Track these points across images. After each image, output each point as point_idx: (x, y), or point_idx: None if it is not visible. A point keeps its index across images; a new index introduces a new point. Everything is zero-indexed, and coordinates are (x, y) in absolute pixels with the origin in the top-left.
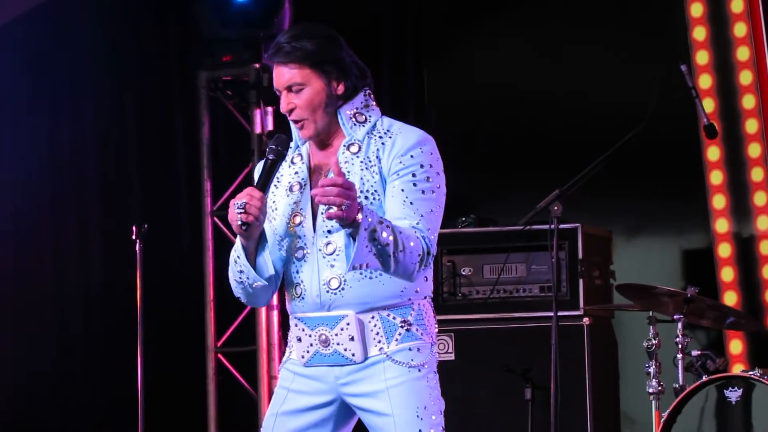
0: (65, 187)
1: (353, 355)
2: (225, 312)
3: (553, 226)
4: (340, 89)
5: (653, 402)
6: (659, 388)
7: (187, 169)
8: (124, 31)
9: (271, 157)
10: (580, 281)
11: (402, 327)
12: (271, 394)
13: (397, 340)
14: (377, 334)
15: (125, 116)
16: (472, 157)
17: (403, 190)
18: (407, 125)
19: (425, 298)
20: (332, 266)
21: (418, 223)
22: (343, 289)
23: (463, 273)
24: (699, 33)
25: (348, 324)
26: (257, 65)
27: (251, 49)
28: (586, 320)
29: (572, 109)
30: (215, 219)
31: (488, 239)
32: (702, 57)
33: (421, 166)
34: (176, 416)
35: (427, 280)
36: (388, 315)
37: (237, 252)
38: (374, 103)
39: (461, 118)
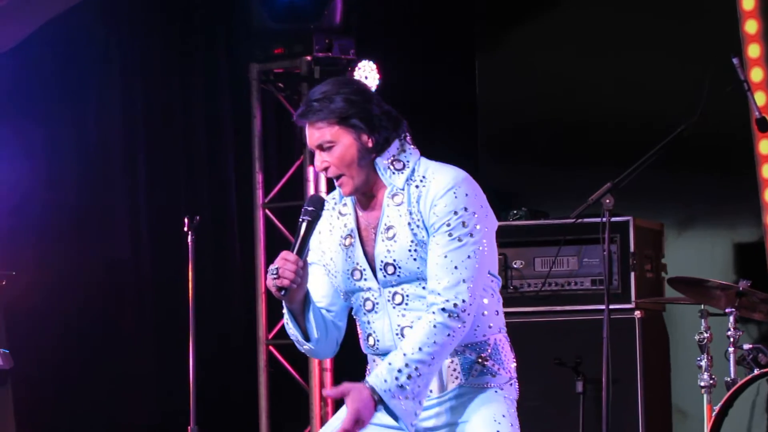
0: (116, 180)
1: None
2: (276, 304)
3: (604, 219)
4: (370, 143)
5: (705, 395)
6: (711, 382)
7: (238, 161)
8: (175, 23)
9: (308, 218)
10: (632, 274)
11: (478, 362)
12: (322, 385)
13: (473, 375)
14: (454, 370)
15: (176, 108)
16: (523, 149)
17: (438, 244)
18: (442, 166)
19: (500, 331)
20: (403, 315)
21: (445, 290)
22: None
23: (515, 266)
24: (751, 26)
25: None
26: (308, 57)
27: (303, 42)
28: (637, 313)
29: (624, 101)
30: (266, 211)
31: (540, 232)
32: (753, 50)
33: (455, 213)
34: (228, 408)
35: (498, 314)
36: (464, 351)
37: (286, 319)
38: (412, 146)
39: (513, 111)
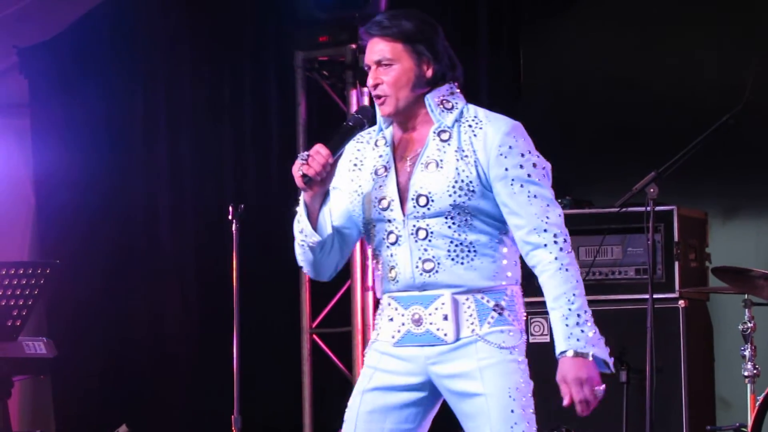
0: (161, 168)
1: (445, 335)
2: (320, 293)
3: (649, 209)
4: (429, 72)
5: (748, 385)
6: (755, 372)
7: (283, 148)
8: (220, 12)
9: (350, 123)
10: (676, 264)
11: (495, 311)
12: None
13: (489, 323)
14: (470, 315)
15: (224, 96)
16: (568, 138)
17: (522, 186)
18: (493, 113)
19: (516, 282)
20: (426, 250)
21: (550, 225)
22: (437, 271)
23: None
24: None
25: (443, 303)
26: (353, 46)
27: (348, 30)
28: (681, 303)
29: (670, 90)
30: None
31: (584, 221)
32: None
33: (522, 155)
34: (272, 397)
35: (516, 264)
36: (482, 298)
37: (299, 211)
38: (459, 93)
39: (557, 99)
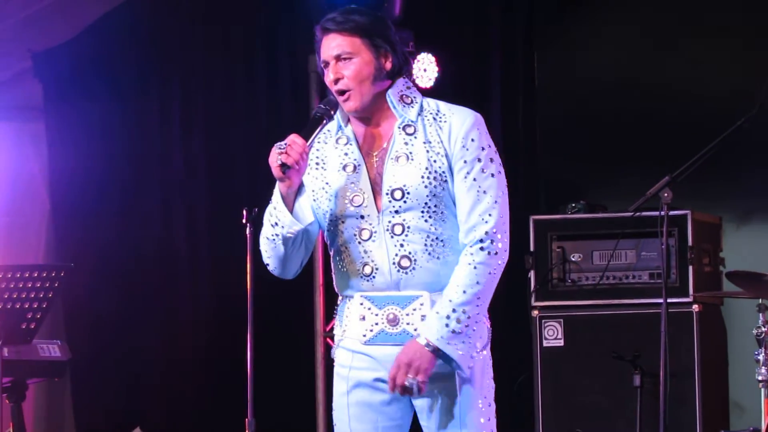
0: (176, 172)
1: (420, 330)
2: (334, 296)
3: (663, 213)
4: (388, 65)
5: (762, 389)
6: None
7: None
8: (233, 15)
9: (318, 113)
10: (690, 268)
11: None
12: None
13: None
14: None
15: (238, 99)
16: (582, 142)
17: (475, 180)
18: (453, 105)
19: None
20: (402, 245)
21: (486, 224)
22: (414, 269)
23: (573, 259)
24: None
25: (422, 304)
26: None
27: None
28: (695, 307)
29: (683, 95)
30: None
31: (598, 225)
32: None
33: (482, 149)
34: (285, 400)
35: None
36: None
37: (274, 202)
38: (414, 86)
39: (571, 103)
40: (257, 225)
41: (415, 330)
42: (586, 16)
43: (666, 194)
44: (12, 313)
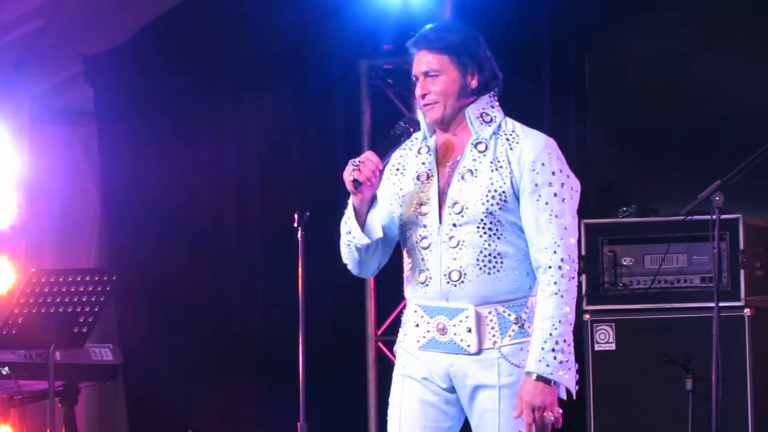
0: (227, 177)
1: (468, 345)
2: (385, 300)
3: (714, 217)
4: (474, 83)
5: None
6: None
7: (347, 157)
8: (284, 20)
9: (397, 131)
10: (742, 272)
11: (516, 324)
12: None
13: (510, 336)
14: (492, 328)
15: (286, 105)
16: (633, 145)
17: (547, 203)
18: (530, 129)
19: (536, 293)
20: (454, 259)
21: (561, 248)
22: (462, 282)
23: (624, 263)
24: None
25: (467, 317)
26: None
27: (412, 37)
28: (747, 311)
29: (736, 97)
30: None
31: (649, 229)
32: None
33: (553, 174)
34: (337, 404)
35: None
36: (504, 311)
37: (347, 213)
38: (498, 105)
39: (623, 107)
40: (308, 229)
41: (462, 340)
42: (638, 20)
43: (717, 198)
44: (65, 317)
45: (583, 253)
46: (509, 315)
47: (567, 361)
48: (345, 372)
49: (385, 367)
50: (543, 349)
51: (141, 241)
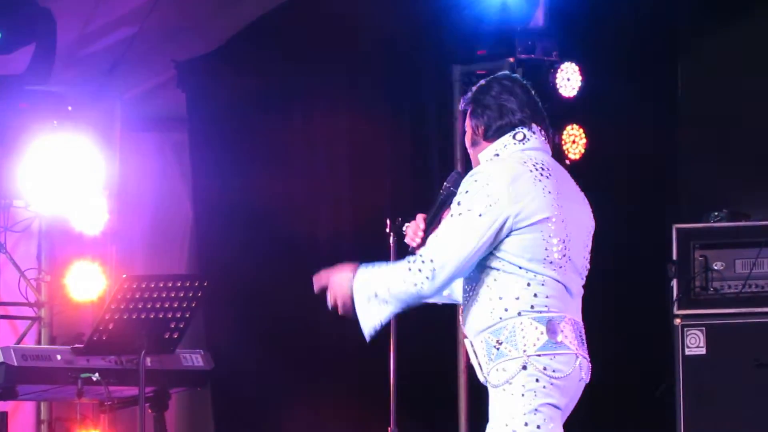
0: (320, 181)
1: (481, 377)
2: None
3: None
4: (477, 132)
5: None
6: None
7: (440, 162)
8: (378, 25)
9: (443, 195)
10: None
11: (495, 347)
12: None
13: (491, 359)
14: (484, 356)
15: (380, 110)
16: (725, 151)
17: (450, 216)
18: (495, 163)
19: (520, 314)
20: (462, 300)
21: (428, 247)
22: (462, 318)
23: (715, 267)
24: None
25: (470, 350)
26: (512, 59)
27: (506, 43)
28: None
29: None
30: None
31: (740, 233)
32: None
33: (459, 193)
34: (428, 406)
35: (519, 299)
36: (489, 337)
37: None
38: (514, 141)
39: (715, 111)
40: (400, 235)
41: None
42: (731, 27)
43: None
44: (155, 323)
45: (674, 257)
46: (489, 338)
47: (376, 300)
48: (436, 376)
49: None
50: (371, 277)
51: (232, 247)
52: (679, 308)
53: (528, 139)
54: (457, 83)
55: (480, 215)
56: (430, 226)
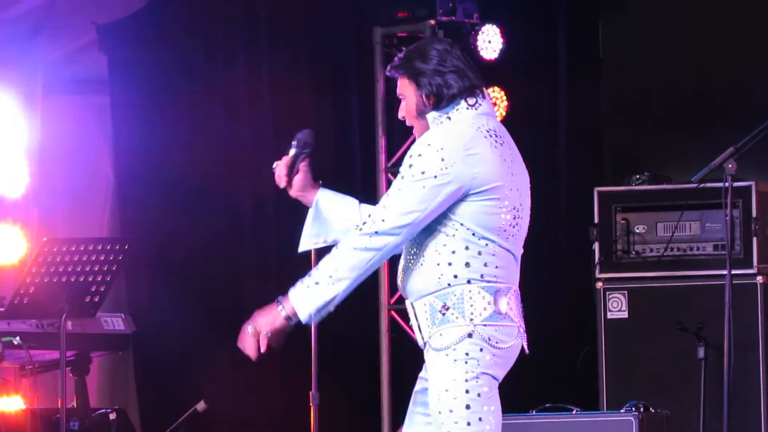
0: (241, 144)
1: (420, 339)
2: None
3: (727, 184)
4: (429, 100)
5: None
6: None
7: (361, 125)
8: None
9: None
10: (754, 240)
11: (440, 312)
12: None
13: (435, 324)
14: (426, 319)
15: (300, 73)
16: (646, 113)
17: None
18: (451, 125)
19: (470, 282)
20: (402, 259)
21: (374, 209)
22: (403, 280)
23: (637, 231)
24: None
25: (411, 311)
26: (433, 21)
27: (427, 5)
28: (760, 279)
29: (749, 65)
30: (389, 175)
31: (662, 197)
32: None
33: (410, 156)
34: (349, 373)
35: (469, 266)
36: (434, 302)
37: None
38: (467, 105)
39: (636, 75)
40: None
41: (416, 335)
42: None
43: (730, 165)
44: (77, 287)
45: (596, 220)
46: (436, 304)
47: (307, 286)
48: (358, 341)
49: (398, 336)
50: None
51: (154, 210)
52: (600, 272)
53: (480, 104)
54: (378, 45)
55: (435, 177)
56: (291, 172)
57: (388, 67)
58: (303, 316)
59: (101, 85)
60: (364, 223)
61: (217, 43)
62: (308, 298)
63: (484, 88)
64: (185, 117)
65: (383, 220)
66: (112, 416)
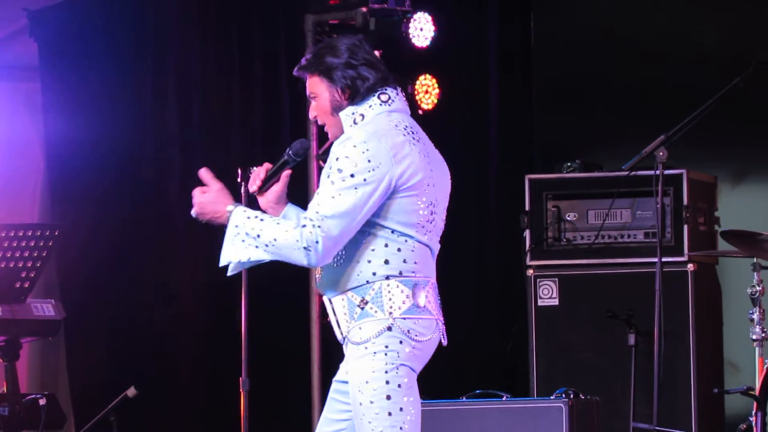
0: (170, 132)
1: (339, 334)
2: None
3: (658, 172)
4: (343, 97)
5: (756, 349)
6: (763, 335)
7: (292, 112)
8: None
9: (285, 158)
10: (685, 227)
11: (359, 306)
12: None
13: (354, 318)
14: (345, 314)
15: (230, 60)
16: (578, 101)
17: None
18: (370, 124)
19: (388, 278)
20: None
21: (313, 213)
22: (321, 276)
23: (568, 218)
24: None
25: (329, 306)
26: (364, 9)
27: None
28: (690, 266)
29: (679, 54)
30: (320, 163)
31: (593, 184)
32: None
33: (336, 160)
34: (279, 359)
35: (388, 263)
36: (353, 296)
37: None
38: (386, 102)
39: (568, 63)
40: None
41: (334, 330)
42: None
43: (661, 153)
44: (6, 272)
45: (526, 208)
46: (355, 298)
47: (246, 237)
48: (288, 327)
49: (329, 322)
50: (257, 220)
51: (84, 197)
52: (531, 259)
53: (393, 100)
54: (309, 33)
55: (365, 180)
56: (271, 179)
57: (296, 68)
58: (224, 261)
59: (32, 71)
60: (305, 227)
61: (147, 31)
62: (237, 250)
63: (396, 84)
64: (115, 104)
65: (319, 226)
66: (42, 402)
